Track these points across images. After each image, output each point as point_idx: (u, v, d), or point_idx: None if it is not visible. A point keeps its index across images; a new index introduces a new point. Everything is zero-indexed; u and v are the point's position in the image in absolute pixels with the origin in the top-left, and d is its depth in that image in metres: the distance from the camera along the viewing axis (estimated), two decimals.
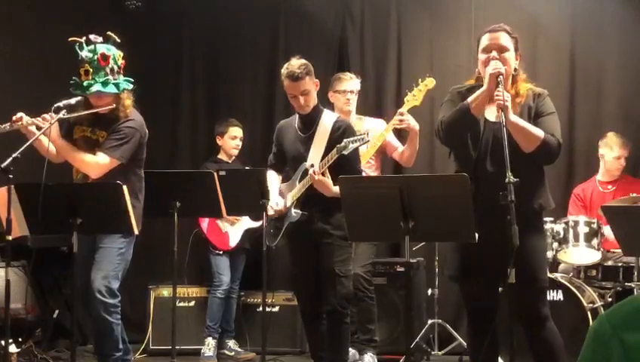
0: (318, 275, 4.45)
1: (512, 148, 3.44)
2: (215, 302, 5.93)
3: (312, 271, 4.45)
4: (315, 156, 4.37)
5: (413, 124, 5.15)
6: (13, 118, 4.25)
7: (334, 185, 4.21)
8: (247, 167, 6.06)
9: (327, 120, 4.46)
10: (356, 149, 4.31)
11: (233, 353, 6.01)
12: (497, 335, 3.69)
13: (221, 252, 5.99)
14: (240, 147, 6.16)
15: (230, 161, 6.12)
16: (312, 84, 4.42)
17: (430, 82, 5.21)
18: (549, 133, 3.56)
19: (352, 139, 4.17)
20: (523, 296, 3.53)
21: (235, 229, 6.01)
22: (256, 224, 5.88)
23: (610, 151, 5.64)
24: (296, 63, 4.40)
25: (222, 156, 6.15)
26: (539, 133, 3.52)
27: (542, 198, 3.67)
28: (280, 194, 4.57)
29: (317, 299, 4.49)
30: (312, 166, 4.32)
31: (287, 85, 4.40)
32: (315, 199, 4.35)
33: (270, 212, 4.53)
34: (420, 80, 5.25)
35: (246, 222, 5.99)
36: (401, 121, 5.13)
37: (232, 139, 6.11)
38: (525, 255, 3.48)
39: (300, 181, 4.41)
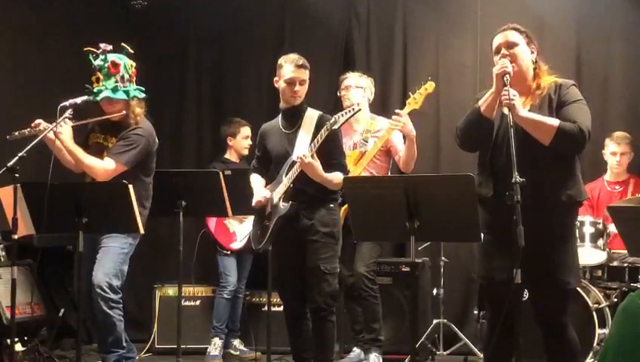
0: (302, 274, 4.38)
1: (533, 141, 3.43)
2: (221, 302, 5.93)
3: (296, 270, 4.39)
4: (300, 150, 4.34)
5: (409, 128, 5.13)
6: (32, 124, 4.33)
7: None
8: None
9: (311, 116, 4.45)
10: (339, 140, 4.36)
11: (238, 352, 6.02)
12: (517, 339, 3.56)
13: (229, 252, 5.99)
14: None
15: (238, 161, 6.12)
16: (307, 79, 4.45)
17: (430, 86, 5.21)
18: (572, 120, 3.45)
19: (341, 113, 4.18)
20: (543, 298, 3.49)
21: (242, 228, 6.01)
22: None
23: (607, 147, 5.68)
24: (297, 55, 4.45)
25: (230, 156, 6.15)
26: (553, 122, 3.44)
27: (571, 190, 3.54)
28: None
29: (301, 299, 4.43)
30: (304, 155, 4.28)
31: (289, 71, 4.38)
32: (300, 193, 4.32)
33: (257, 199, 4.46)
34: (422, 82, 5.25)
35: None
36: (397, 120, 5.11)
37: (244, 139, 6.12)
38: (547, 254, 3.44)
39: (286, 175, 4.38)
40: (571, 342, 3.56)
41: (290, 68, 4.39)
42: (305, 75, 4.41)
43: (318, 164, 4.22)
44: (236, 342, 6.05)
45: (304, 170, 4.22)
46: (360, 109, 4.33)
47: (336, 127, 4.16)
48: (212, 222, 6.00)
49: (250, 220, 5.98)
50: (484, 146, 3.62)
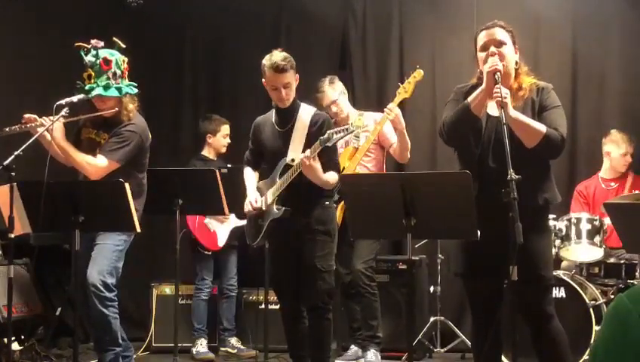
0: (298, 272, 4.37)
1: (515, 143, 3.44)
2: (201, 304, 5.94)
3: (293, 270, 4.37)
4: (294, 150, 4.32)
5: (400, 120, 5.11)
6: (23, 120, 4.30)
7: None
8: (228, 165, 6.00)
9: (305, 114, 4.39)
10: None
11: (235, 350, 6.01)
12: (501, 334, 3.65)
13: (209, 252, 5.97)
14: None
15: (215, 159, 6.08)
16: (293, 78, 4.33)
17: (418, 74, 5.19)
18: (553, 126, 3.52)
19: (336, 130, 4.12)
20: (527, 294, 3.51)
21: (223, 228, 5.99)
22: (243, 222, 5.89)
23: (617, 148, 5.65)
24: (279, 55, 4.29)
25: (208, 153, 6.11)
26: (540, 127, 3.50)
27: (547, 193, 3.63)
28: (258, 191, 4.50)
29: (298, 298, 4.42)
30: (293, 160, 4.26)
31: (270, 77, 4.28)
32: (295, 194, 4.29)
33: (247, 208, 4.45)
34: (410, 71, 5.25)
35: (233, 221, 5.99)
36: (390, 112, 5.09)
37: (223, 138, 6.10)
38: (529, 252, 3.46)
39: (280, 177, 4.35)
40: (558, 332, 3.62)
41: (270, 74, 4.28)
42: (288, 77, 4.28)
43: (319, 166, 4.19)
44: (233, 341, 6.05)
45: (304, 172, 4.18)
46: (354, 130, 4.26)
47: (329, 144, 4.10)
48: (192, 223, 5.96)
49: (230, 219, 5.97)
50: (468, 143, 3.63)
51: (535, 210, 3.57)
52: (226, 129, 6.11)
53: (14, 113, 4.40)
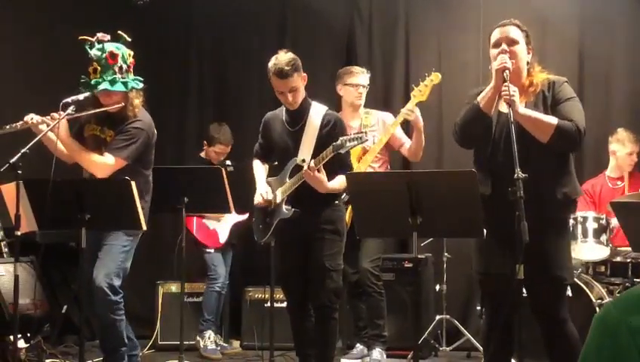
0: (306, 271, 4.36)
1: (530, 139, 3.43)
2: (213, 295, 5.95)
3: (301, 268, 4.36)
4: (305, 150, 4.28)
5: (419, 118, 5.11)
6: (25, 118, 4.28)
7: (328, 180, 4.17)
8: (227, 161, 5.99)
9: (316, 114, 4.34)
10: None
11: (219, 348, 6.01)
12: (514, 335, 3.55)
13: (212, 250, 5.99)
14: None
15: (215, 162, 6.06)
16: (300, 80, 4.26)
17: (436, 77, 5.16)
18: (567, 118, 3.47)
19: (348, 137, 4.04)
20: (541, 294, 3.50)
21: (222, 225, 5.99)
22: (243, 217, 5.89)
23: (623, 147, 5.63)
24: (284, 59, 4.21)
25: (205, 156, 6.12)
26: (551, 120, 3.45)
27: (567, 187, 3.57)
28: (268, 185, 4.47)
29: (306, 297, 4.42)
30: (304, 161, 4.22)
31: (275, 82, 4.24)
32: (305, 195, 4.25)
33: (258, 199, 4.41)
34: (426, 74, 5.23)
35: (233, 217, 5.99)
36: (410, 112, 5.07)
37: (215, 153, 6.05)
38: (544, 251, 3.44)
39: (290, 177, 4.32)
40: (571, 337, 3.58)
41: (275, 79, 4.23)
42: (293, 81, 4.21)
43: (324, 177, 4.14)
44: (216, 337, 6.05)
45: (309, 182, 4.15)
46: (367, 139, 4.24)
47: (342, 151, 4.05)
48: (191, 224, 5.93)
49: (226, 218, 5.97)
50: (481, 143, 3.62)
51: (554, 205, 3.53)
52: (221, 148, 6.04)
53: (19, 112, 4.38)
